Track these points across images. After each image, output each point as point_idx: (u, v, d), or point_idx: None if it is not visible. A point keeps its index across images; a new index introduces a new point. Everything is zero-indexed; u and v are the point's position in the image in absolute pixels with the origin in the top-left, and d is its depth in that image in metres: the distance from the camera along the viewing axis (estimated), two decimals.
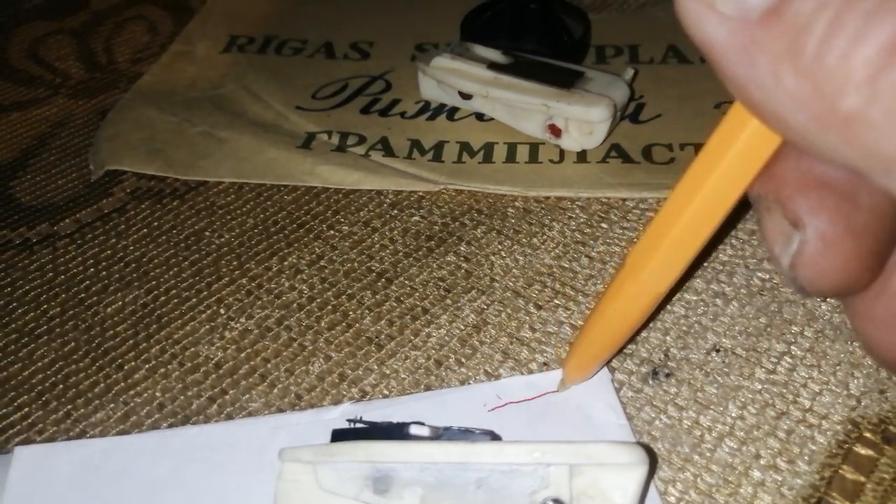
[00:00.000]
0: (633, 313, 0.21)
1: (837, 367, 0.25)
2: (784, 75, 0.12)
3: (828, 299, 0.27)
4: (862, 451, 0.22)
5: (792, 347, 0.25)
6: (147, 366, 0.27)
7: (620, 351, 0.25)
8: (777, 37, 0.12)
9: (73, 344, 0.28)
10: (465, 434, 0.20)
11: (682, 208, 0.17)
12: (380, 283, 0.29)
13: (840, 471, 0.22)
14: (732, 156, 0.15)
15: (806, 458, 0.22)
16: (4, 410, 0.26)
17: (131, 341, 0.28)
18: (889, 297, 0.15)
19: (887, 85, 0.11)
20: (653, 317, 0.26)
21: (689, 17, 0.13)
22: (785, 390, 0.24)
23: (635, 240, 0.29)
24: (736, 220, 0.30)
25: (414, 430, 0.20)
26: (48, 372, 0.27)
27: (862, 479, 0.22)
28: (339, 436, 0.21)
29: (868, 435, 0.23)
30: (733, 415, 0.24)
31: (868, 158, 0.12)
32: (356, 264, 0.30)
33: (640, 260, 0.19)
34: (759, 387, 0.24)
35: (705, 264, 0.29)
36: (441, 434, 0.20)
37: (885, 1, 0.11)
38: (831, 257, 0.15)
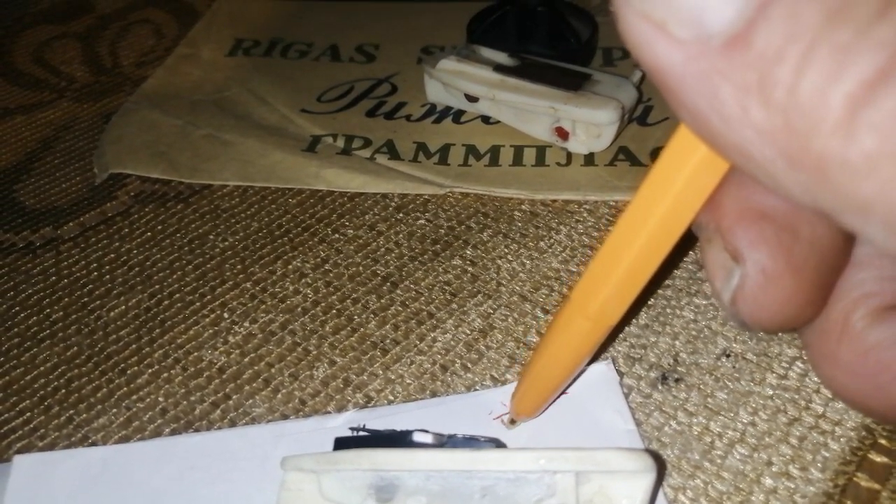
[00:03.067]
0: (581, 348, 0.20)
1: None
2: (751, 108, 0.11)
3: None
4: (877, 458, 0.22)
5: (803, 353, 0.25)
6: (150, 370, 0.27)
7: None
8: (744, 67, 0.11)
9: (75, 348, 0.28)
10: (469, 442, 0.20)
11: (630, 240, 0.16)
12: (385, 287, 0.29)
13: (854, 478, 0.22)
14: (682, 184, 0.15)
15: (819, 465, 0.22)
16: (6, 415, 0.26)
17: (134, 345, 0.28)
18: (852, 338, 0.15)
19: (867, 124, 0.10)
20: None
21: (635, 40, 0.12)
22: (797, 396, 0.24)
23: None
24: None
25: (418, 437, 0.20)
26: (50, 376, 0.27)
27: (877, 486, 0.21)
28: (342, 444, 0.20)
29: (883, 442, 0.22)
30: (744, 421, 0.23)
31: (841, 201, 0.11)
32: (361, 268, 0.30)
33: (588, 294, 0.18)
34: (771, 392, 0.24)
35: None
36: (445, 442, 0.20)
37: (863, 34, 0.10)
38: (772, 292, 0.14)
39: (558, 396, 0.23)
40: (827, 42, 0.10)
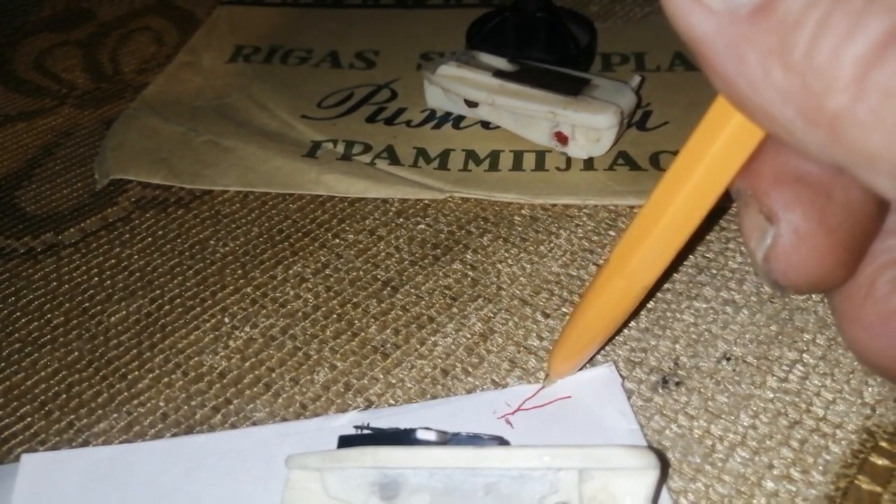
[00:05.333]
0: (618, 307, 0.21)
1: (851, 376, 0.24)
2: (773, 71, 0.12)
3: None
4: (878, 461, 0.22)
5: (804, 355, 0.25)
6: (150, 375, 0.27)
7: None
8: (767, 32, 0.12)
9: (76, 353, 0.28)
10: (473, 440, 0.20)
11: (667, 202, 0.17)
12: (385, 292, 0.29)
13: (856, 481, 0.22)
14: (716, 150, 0.16)
15: (820, 467, 0.22)
16: (7, 420, 0.26)
17: (135, 351, 0.28)
18: (876, 300, 0.15)
19: (874, 84, 0.11)
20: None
21: (676, 11, 0.13)
22: (798, 399, 0.24)
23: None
24: None
25: (421, 435, 0.20)
26: (51, 381, 0.27)
27: (878, 489, 0.21)
28: (346, 442, 0.20)
29: (884, 444, 0.22)
30: (745, 424, 0.23)
31: (853, 155, 0.12)
32: (361, 273, 0.30)
33: (626, 254, 0.19)
34: (771, 395, 0.24)
35: (714, 272, 0.28)
36: (449, 439, 0.20)
37: (873, 0, 0.11)
38: (804, 252, 0.15)
39: (593, 356, 0.24)
40: (841, 8, 0.11)
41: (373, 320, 0.28)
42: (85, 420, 0.25)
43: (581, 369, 0.24)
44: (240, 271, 0.31)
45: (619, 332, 0.26)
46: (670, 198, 0.17)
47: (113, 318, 0.29)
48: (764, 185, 0.15)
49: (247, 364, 0.27)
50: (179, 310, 0.29)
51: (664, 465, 0.22)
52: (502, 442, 0.21)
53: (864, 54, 0.11)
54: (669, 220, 0.17)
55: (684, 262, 0.29)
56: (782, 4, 0.12)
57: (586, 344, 0.22)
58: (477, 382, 0.25)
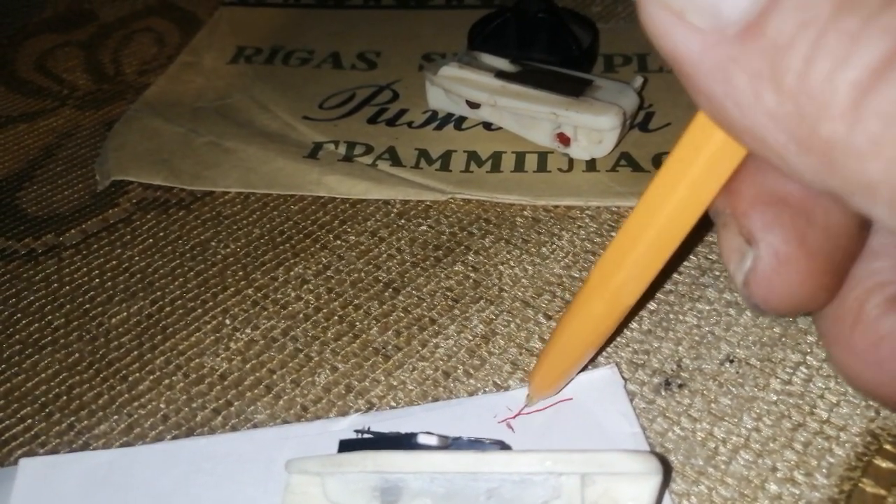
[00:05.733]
0: (600, 327, 0.20)
1: None
2: (764, 94, 0.11)
3: None
4: (882, 463, 0.22)
5: (808, 358, 0.25)
6: (151, 377, 0.27)
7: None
8: (757, 54, 0.11)
9: (77, 355, 0.28)
10: (474, 444, 0.20)
11: (649, 222, 0.17)
12: (387, 294, 0.29)
13: (860, 484, 0.21)
14: (699, 168, 0.15)
15: (824, 470, 0.22)
16: (7, 422, 0.26)
17: (136, 352, 0.28)
18: (865, 326, 0.15)
19: (872, 110, 0.10)
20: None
21: (655, 28, 0.12)
22: (801, 401, 0.24)
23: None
24: None
25: (422, 439, 0.19)
26: (52, 383, 0.27)
27: (883, 492, 0.21)
28: (346, 446, 0.20)
29: (888, 447, 0.22)
30: (748, 426, 0.23)
31: (849, 183, 0.11)
32: (363, 274, 0.30)
33: (607, 274, 0.19)
34: (775, 398, 0.24)
35: (717, 273, 0.28)
36: (450, 444, 0.20)
37: (870, 22, 0.10)
38: (784, 275, 0.15)
39: (574, 375, 0.23)
40: (835, 30, 0.10)
41: (374, 322, 0.28)
42: (85, 422, 0.25)
43: (583, 370, 0.24)
44: (241, 273, 0.31)
45: (612, 339, 0.26)
46: (651, 218, 0.17)
47: (114, 320, 0.29)
48: (743, 206, 0.15)
49: (248, 366, 0.27)
50: (180, 311, 0.29)
51: (667, 469, 0.22)
52: (503, 446, 0.21)
53: (861, 79, 0.10)
54: (651, 241, 0.17)
55: (686, 264, 0.29)
56: (773, 24, 0.11)
57: (568, 365, 0.22)
58: (479, 384, 0.25)
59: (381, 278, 0.30)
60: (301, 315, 0.28)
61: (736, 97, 0.12)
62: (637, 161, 0.34)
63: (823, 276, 0.15)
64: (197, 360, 0.27)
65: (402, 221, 0.32)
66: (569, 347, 0.21)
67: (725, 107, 0.12)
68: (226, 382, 0.26)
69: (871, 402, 0.23)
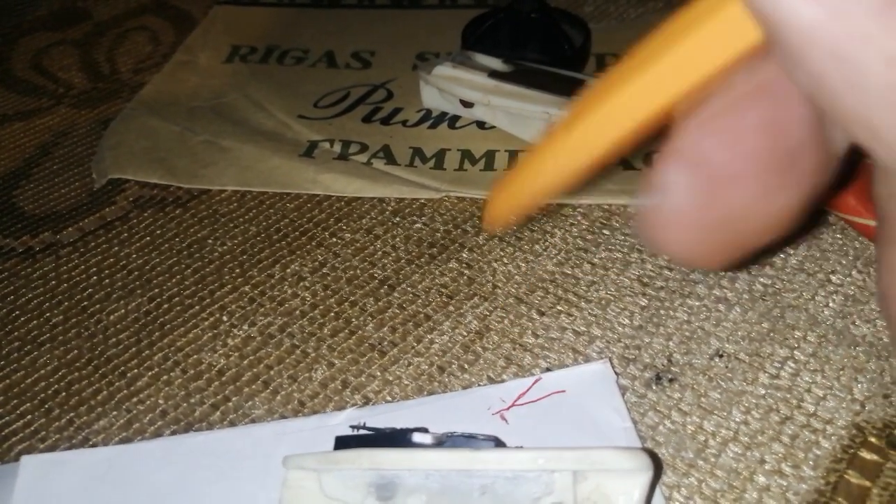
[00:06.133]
0: (567, 165, 0.17)
1: (841, 372, 0.25)
2: None
3: (830, 304, 0.27)
4: (867, 455, 0.22)
5: (795, 352, 0.25)
6: (150, 373, 0.27)
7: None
8: None
9: (75, 352, 0.28)
10: (468, 440, 0.20)
11: (634, 74, 0.15)
12: (382, 290, 0.29)
13: (845, 476, 0.22)
14: (704, 35, 0.13)
15: (811, 462, 0.22)
16: (7, 418, 0.26)
17: (134, 349, 0.28)
18: None
19: None
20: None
21: None
22: (789, 395, 0.24)
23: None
24: None
25: (417, 437, 0.20)
26: (51, 380, 0.27)
27: (867, 483, 0.22)
28: (342, 443, 0.21)
29: (873, 440, 0.23)
30: (737, 420, 0.24)
31: None
32: (358, 271, 0.30)
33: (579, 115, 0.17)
34: (763, 392, 0.24)
35: (707, 270, 0.29)
36: (444, 441, 0.20)
37: None
38: (674, 229, 0.14)
39: (528, 210, 0.21)
40: None
41: (370, 318, 0.28)
42: (85, 418, 0.26)
43: (576, 365, 0.24)
44: (238, 270, 0.31)
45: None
46: (640, 70, 0.14)
47: (112, 317, 0.29)
48: (674, 150, 0.14)
49: (245, 362, 0.27)
50: (178, 308, 0.29)
51: (657, 465, 0.22)
52: (497, 441, 0.21)
53: None
54: (631, 92, 0.15)
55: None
56: None
57: (524, 196, 0.19)
58: (473, 379, 0.26)
59: (376, 275, 0.30)
60: (297, 312, 0.29)
61: (860, 82, 0.09)
62: (629, 159, 0.35)
63: (716, 246, 0.14)
64: (195, 357, 0.27)
65: (397, 219, 0.33)
66: (533, 179, 0.19)
67: (837, 90, 0.10)
68: (223, 378, 0.26)
69: (856, 396, 0.24)
